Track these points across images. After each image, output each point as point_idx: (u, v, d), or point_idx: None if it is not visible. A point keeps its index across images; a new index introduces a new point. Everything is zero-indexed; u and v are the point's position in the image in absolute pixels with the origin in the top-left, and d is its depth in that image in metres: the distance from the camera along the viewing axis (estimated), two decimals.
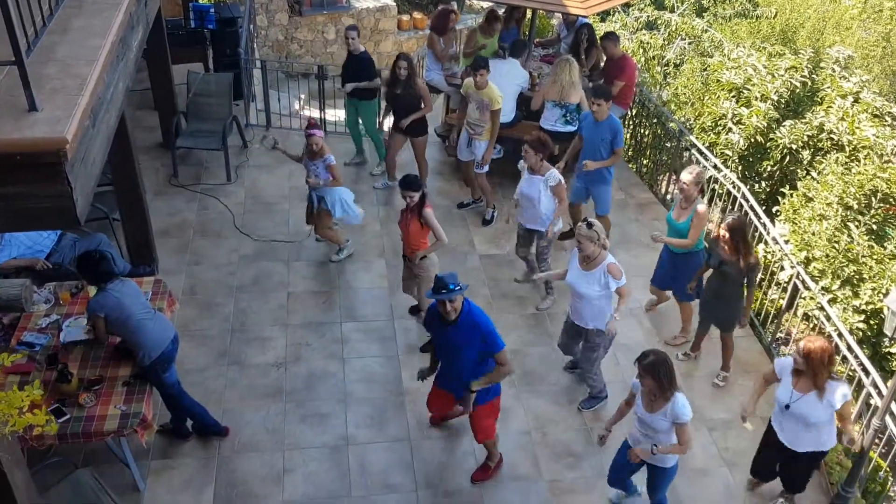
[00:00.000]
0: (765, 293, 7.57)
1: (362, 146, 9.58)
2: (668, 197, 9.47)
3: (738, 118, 9.06)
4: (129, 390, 5.54)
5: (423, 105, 8.39)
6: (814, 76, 9.42)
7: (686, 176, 6.56)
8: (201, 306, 7.39)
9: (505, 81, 8.33)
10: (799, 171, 8.68)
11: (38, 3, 3.97)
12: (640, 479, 5.60)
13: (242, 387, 6.61)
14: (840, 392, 5.07)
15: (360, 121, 9.28)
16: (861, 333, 6.83)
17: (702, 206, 6.60)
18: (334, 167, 7.37)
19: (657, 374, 4.70)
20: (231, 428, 6.19)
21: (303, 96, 12.23)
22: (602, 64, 9.41)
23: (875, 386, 5.89)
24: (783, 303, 7.21)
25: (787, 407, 5.19)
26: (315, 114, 10.53)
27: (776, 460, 5.67)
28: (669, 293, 7.31)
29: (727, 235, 6.10)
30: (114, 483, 5.54)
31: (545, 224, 7.13)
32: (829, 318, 6.54)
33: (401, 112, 8.44)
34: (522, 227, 7.37)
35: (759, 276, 6.46)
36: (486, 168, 8.45)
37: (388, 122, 8.97)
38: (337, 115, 10.44)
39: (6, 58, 3.45)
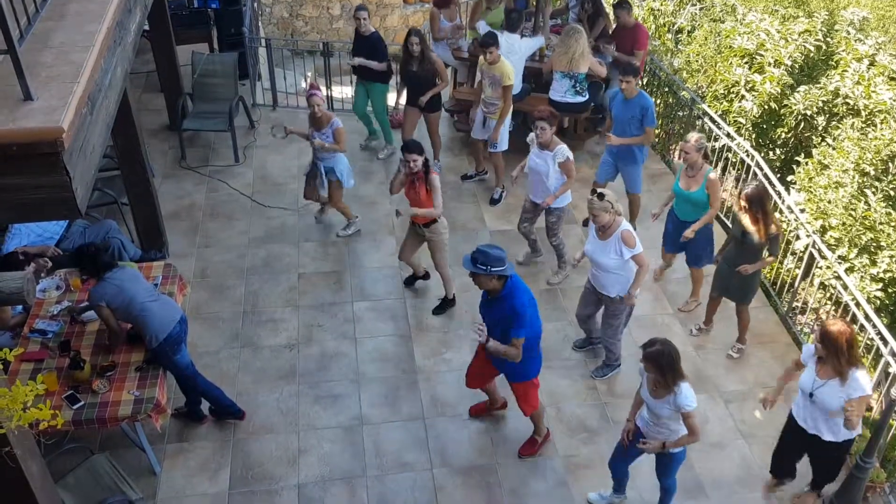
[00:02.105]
0: (780, 262, 7.47)
1: (373, 127, 9.44)
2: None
3: (751, 85, 8.88)
4: (142, 375, 5.56)
5: (438, 80, 8.30)
6: (828, 39, 9.21)
7: (687, 144, 6.49)
8: (213, 289, 7.39)
9: (507, 56, 8.20)
10: (814, 137, 8.52)
11: None
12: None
13: (255, 369, 6.62)
14: (863, 380, 4.88)
15: (371, 103, 9.11)
16: (879, 302, 6.73)
17: (713, 174, 6.54)
18: (341, 131, 7.34)
19: (659, 364, 4.65)
20: (246, 410, 6.21)
21: (309, 74, 12.13)
22: (610, 32, 9.26)
23: (893, 355, 5.80)
24: (799, 272, 7.11)
25: (811, 395, 5.04)
26: (322, 92, 10.42)
27: (800, 452, 5.50)
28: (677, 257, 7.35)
29: (745, 206, 6.07)
30: (130, 467, 5.58)
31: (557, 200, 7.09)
32: (845, 287, 6.44)
33: (417, 89, 8.35)
34: (530, 200, 7.29)
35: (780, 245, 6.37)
36: (500, 147, 8.32)
37: (402, 99, 8.87)
38: (344, 92, 10.33)
39: None
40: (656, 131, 9.95)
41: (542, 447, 6.02)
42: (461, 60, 9.57)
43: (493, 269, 4.88)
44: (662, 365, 4.62)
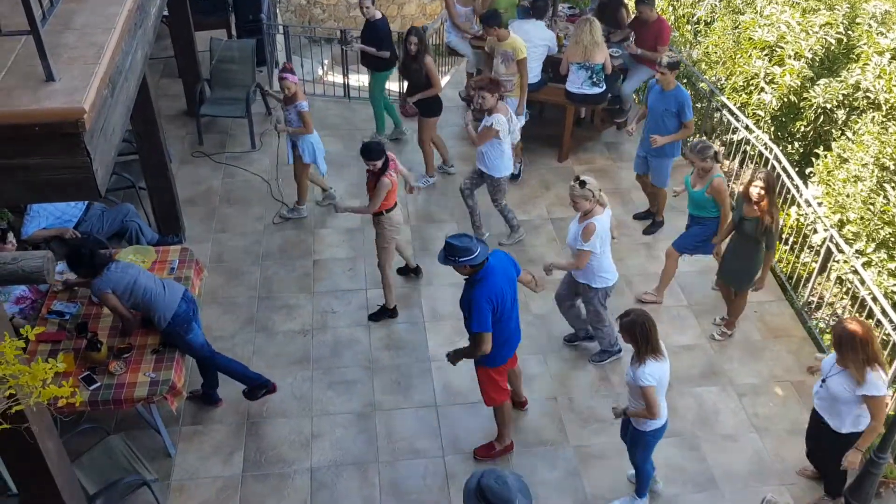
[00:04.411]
0: (797, 256, 7.42)
1: (397, 118, 9.38)
2: None
3: (770, 77, 8.80)
4: (159, 358, 5.61)
5: (431, 85, 8.06)
6: (849, 32, 9.10)
7: (690, 153, 6.50)
8: (228, 274, 7.43)
9: (529, 43, 8.16)
10: (833, 131, 8.43)
11: None
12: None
13: (270, 354, 6.66)
14: (876, 381, 4.81)
15: (370, 89, 9.07)
16: None
17: (718, 179, 6.46)
18: (306, 114, 7.35)
19: (633, 334, 4.81)
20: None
21: (326, 62, 12.15)
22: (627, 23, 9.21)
23: None
24: (816, 266, 7.07)
25: (824, 380, 5.05)
26: (339, 79, 10.45)
27: (816, 438, 5.50)
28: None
29: (763, 188, 5.99)
30: (145, 448, 5.65)
31: (489, 167, 7.21)
32: (862, 281, 6.40)
33: (411, 89, 8.26)
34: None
35: (778, 239, 6.34)
36: (522, 120, 8.19)
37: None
38: (360, 80, 10.34)
39: (22, 27, 3.42)
40: None
41: (499, 456, 5.92)
42: (479, 49, 9.53)
43: (460, 260, 5.03)
44: (636, 334, 4.78)
